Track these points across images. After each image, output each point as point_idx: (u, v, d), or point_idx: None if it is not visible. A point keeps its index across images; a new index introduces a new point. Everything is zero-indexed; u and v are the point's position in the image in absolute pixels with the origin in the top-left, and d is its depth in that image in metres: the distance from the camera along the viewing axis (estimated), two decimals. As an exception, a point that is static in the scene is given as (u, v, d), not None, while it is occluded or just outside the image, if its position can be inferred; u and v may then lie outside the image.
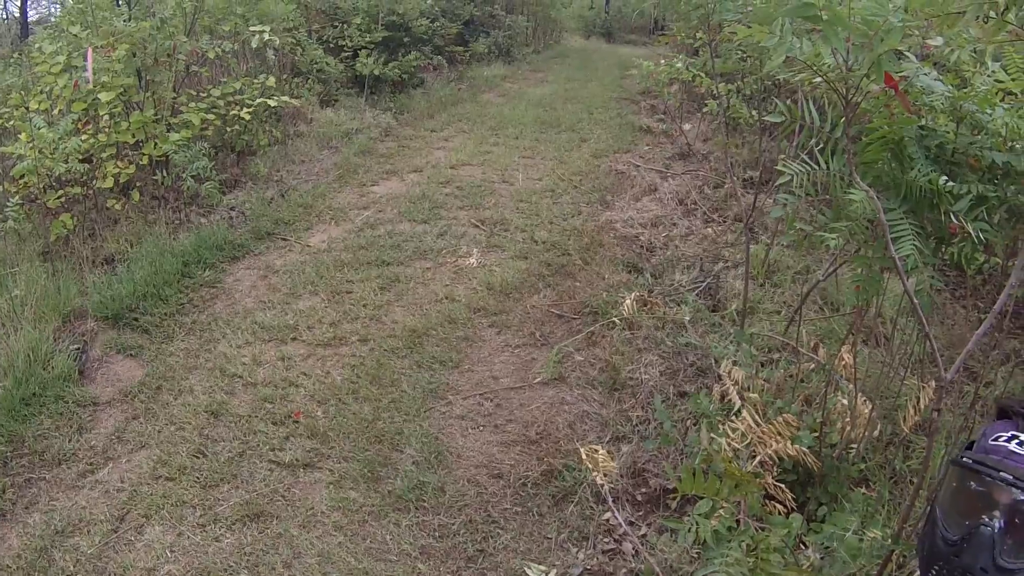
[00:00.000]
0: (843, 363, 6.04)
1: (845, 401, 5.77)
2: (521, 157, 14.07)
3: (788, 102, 4.40)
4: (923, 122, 4.32)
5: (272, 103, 12.52)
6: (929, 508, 2.32)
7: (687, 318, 7.88)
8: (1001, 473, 2.06)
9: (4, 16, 31.65)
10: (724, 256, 9.34)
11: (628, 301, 7.97)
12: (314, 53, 16.94)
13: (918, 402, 5.94)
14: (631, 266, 9.47)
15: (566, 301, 8.61)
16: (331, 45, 18.50)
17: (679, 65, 12.23)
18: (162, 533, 5.34)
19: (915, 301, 3.76)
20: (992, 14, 3.66)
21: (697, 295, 8.48)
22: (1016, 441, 2.14)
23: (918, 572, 2.33)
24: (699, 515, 3.39)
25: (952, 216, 3.96)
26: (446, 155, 14.10)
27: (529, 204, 11.54)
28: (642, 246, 10.09)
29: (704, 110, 13.87)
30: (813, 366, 6.44)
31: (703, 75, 11.06)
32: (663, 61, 13.49)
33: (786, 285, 8.39)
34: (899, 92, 4.06)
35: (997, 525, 2.05)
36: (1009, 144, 4.31)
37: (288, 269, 9.23)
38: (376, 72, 17.78)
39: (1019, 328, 7.79)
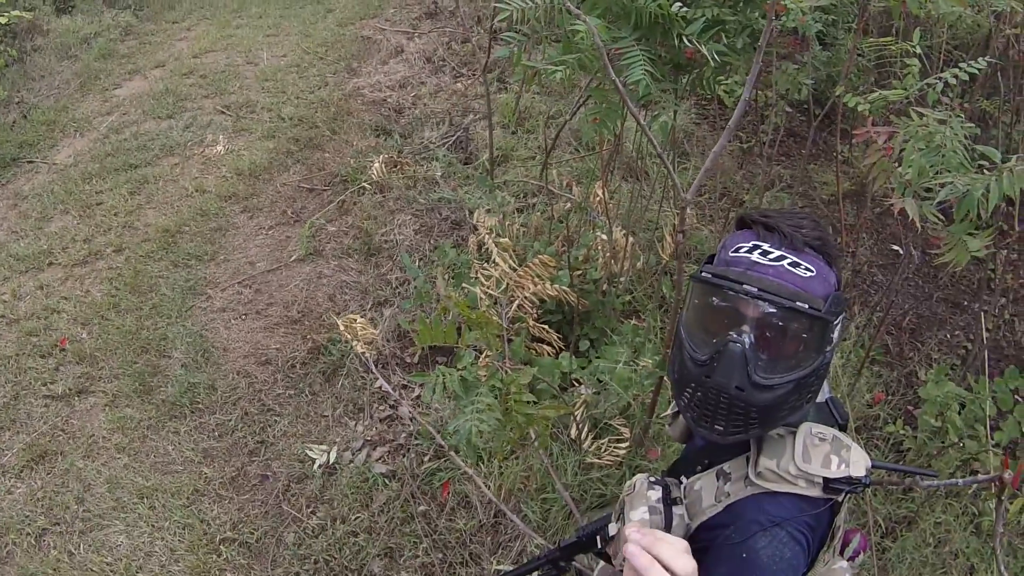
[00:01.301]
0: (598, 199, 6.12)
1: (604, 236, 5.85)
2: (265, 36, 13.74)
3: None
4: None
5: (3, 20, 11.93)
6: (675, 329, 2.24)
7: (439, 173, 7.90)
8: (744, 286, 1.97)
9: None
10: (474, 108, 9.32)
11: (376, 164, 7.96)
12: None
13: (674, 230, 6.10)
14: (380, 129, 9.42)
15: (316, 174, 8.54)
16: None
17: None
18: None
19: (641, 123, 3.76)
20: None
21: (448, 150, 8.50)
22: (759, 251, 2.03)
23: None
24: (459, 366, 3.42)
25: (686, 40, 3.93)
26: (188, 45, 13.65)
27: (275, 82, 11.32)
28: (391, 108, 10.02)
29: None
30: (569, 205, 6.54)
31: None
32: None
33: (539, 130, 8.41)
34: None
35: (747, 340, 1.99)
36: None
37: (37, 192, 8.85)
38: (112, -31, 16.83)
39: (782, 155, 8.03)
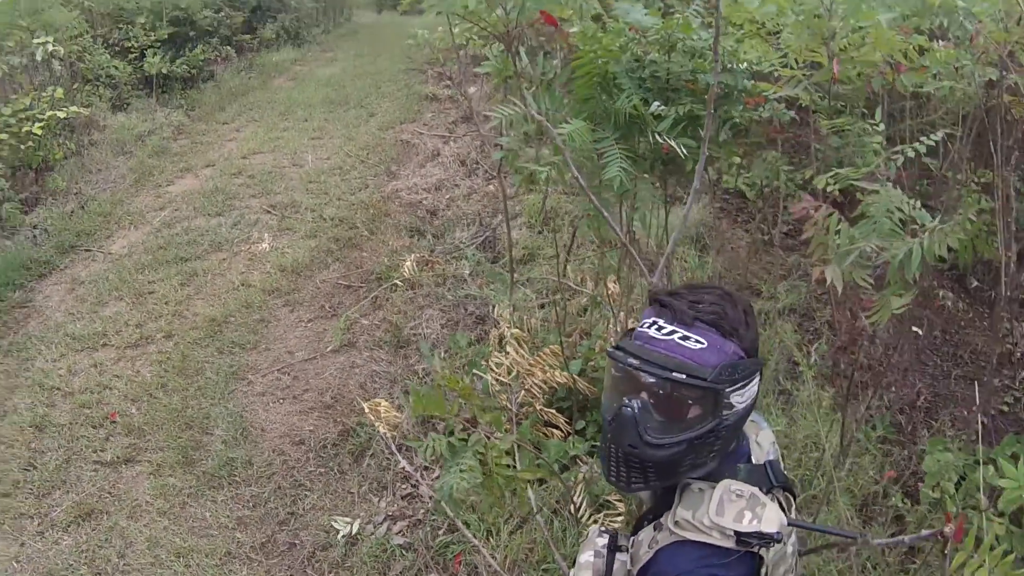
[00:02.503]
0: (610, 293, 6.50)
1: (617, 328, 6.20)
2: (311, 139, 14.32)
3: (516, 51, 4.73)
4: (627, 54, 4.57)
5: (62, 115, 12.41)
6: None
7: (467, 272, 8.36)
8: (629, 358, 2.22)
9: None
10: (504, 209, 9.74)
11: (408, 263, 8.47)
12: (100, 58, 16.61)
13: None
14: (415, 230, 9.94)
15: (353, 272, 9.04)
16: (118, 48, 18.01)
17: (456, 30, 12.49)
18: (6, 546, 5.62)
19: (607, 216, 4.11)
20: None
21: (477, 249, 8.95)
22: (655, 326, 2.25)
23: None
24: (438, 435, 3.82)
25: (660, 137, 4.21)
26: (238, 146, 14.25)
27: (318, 184, 11.86)
28: (426, 210, 10.53)
29: (483, 72, 14.14)
30: (586, 300, 6.92)
31: (475, 38, 11.08)
32: (440, 28, 13.80)
33: (564, 230, 8.71)
34: (559, 28, 4.48)
35: (636, 405, 2.23)
36: (728, 66, 4.59)
37: (93, 279, 9.40)
38: (164, 70, 17.40)
39: (801, 244, 8.27)
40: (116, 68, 16.64)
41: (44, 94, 12.78)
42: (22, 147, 12.04)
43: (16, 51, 13.08)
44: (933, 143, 4.10)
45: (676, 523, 2.26)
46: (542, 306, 7.33)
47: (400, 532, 5.48)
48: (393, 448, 5.92)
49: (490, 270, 8.34)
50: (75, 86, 15.18)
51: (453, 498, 4.65)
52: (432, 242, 9.53)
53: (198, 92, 18.01)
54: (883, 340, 6.23)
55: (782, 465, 2.48)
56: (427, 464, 5.98)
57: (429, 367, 6.96)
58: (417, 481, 5.83)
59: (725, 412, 2.25)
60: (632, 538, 2.54)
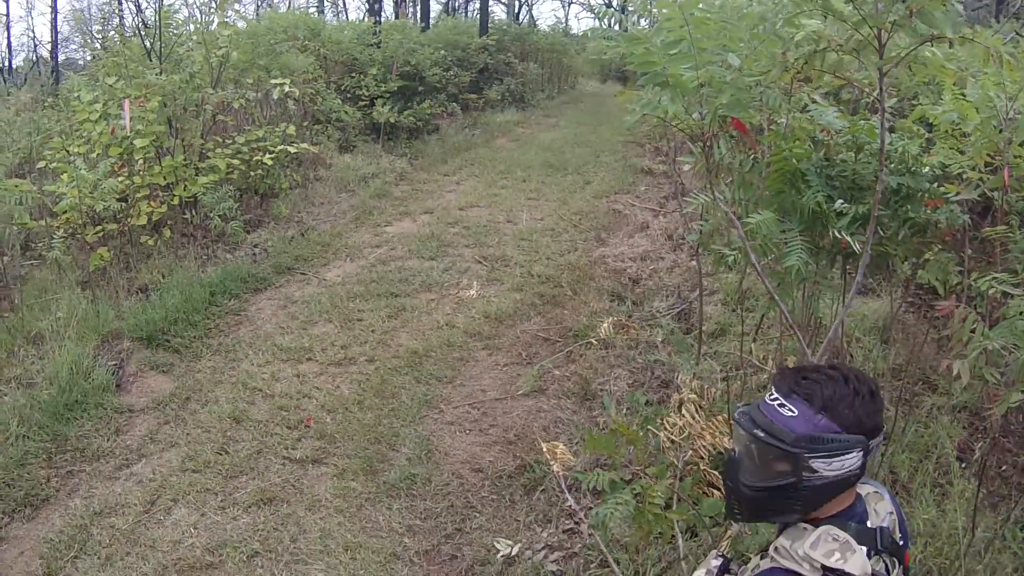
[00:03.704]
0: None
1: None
2: (527, 199, 14.90)
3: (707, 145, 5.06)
4: (817, 154, 4.95)
5: (292, 150, 13.54)
6: None
7: (659, 339, 8.69)
8: (736, 414, 2.76)
9: (35, 59, 32.70)
10: (704, 285, 9.99)
11: (605, 324, 8.84)
12: (332, 102, 17.75)
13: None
14: (616, 295, 10.33)
15: (553, 327, 9.47)
16: (349, 94, 19.33)
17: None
18: (187, 514, 6.20)
19: (776, 297, 4.45)
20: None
21: (672, 319, 9.28)
22: (769, 394, 2.68)
23: None
24: (604, 474, 4.18)
25: (839, 232, 4.53)
26: (456, 197, 14.96)
27: (530, 242, 12.39)
28: (629, 278, 10.92)
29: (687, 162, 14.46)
30: (766, 376, 7.19)
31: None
32: (661, 105, 14.20)
33: (756, 309, 8.91)
34: (746, 133, 4.84)
35: (737, 453, 2.76)
36: (910, 168, 4.87)
37: (305, 300, 10.15)
38: (392, 120, 18.49)
39: None
40: (346, 113, 17.79)
41: (277, 129, 13.83)
42: (251, 174, 13.15)
43: (253, 87, 13.97)
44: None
45: (775, 549, 2.68)
46: (724, 378, 7.53)
47: (555, 561, 5.79)
48: (564, 486, 6.30)
49: (680, 340, 8.64)
50: (306, 124, 16.30)
51: (606, 528, 5.01)
52: (630, 308, 9.89)
53: (422, 143, 19.02)
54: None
55: (898, 536, 2.73)
56: (592, 505, 6.28)
57: (608, 420, 7.26)
58: (580, 519, 6.16)
59: (806, 474, 2.58)
60: (743, 567, 2.98)
